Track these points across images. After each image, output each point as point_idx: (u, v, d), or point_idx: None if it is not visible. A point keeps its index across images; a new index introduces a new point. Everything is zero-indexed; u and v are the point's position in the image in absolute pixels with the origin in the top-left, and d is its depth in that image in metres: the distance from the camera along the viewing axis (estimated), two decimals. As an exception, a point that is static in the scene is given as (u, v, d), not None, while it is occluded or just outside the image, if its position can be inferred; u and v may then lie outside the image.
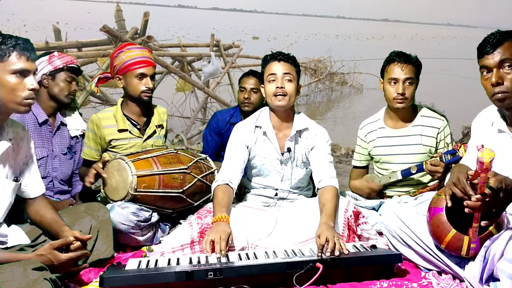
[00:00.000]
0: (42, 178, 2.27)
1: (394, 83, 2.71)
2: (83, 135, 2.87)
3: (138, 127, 2.80)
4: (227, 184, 2.44)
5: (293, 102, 2.55)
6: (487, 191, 1.75)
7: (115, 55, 2.76)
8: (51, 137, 2.73)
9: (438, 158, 2.65)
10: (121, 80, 2.75)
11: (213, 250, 2.10)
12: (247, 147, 2.58)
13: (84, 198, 2.81)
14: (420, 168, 2.73)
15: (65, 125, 2.82)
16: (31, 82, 1.83)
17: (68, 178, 2.83)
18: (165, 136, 2.98)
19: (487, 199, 1.76)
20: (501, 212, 1.89)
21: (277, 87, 2.46)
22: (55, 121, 2.77)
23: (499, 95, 1.98)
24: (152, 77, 2.74)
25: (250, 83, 3.18)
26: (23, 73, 1.82)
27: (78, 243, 1.91)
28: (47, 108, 2.71)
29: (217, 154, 3.29)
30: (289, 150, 2.56)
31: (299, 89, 2.59)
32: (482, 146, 1.75)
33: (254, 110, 3.09)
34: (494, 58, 1.98)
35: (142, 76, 2.69)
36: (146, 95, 2.72)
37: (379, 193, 2.90)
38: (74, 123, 2.87)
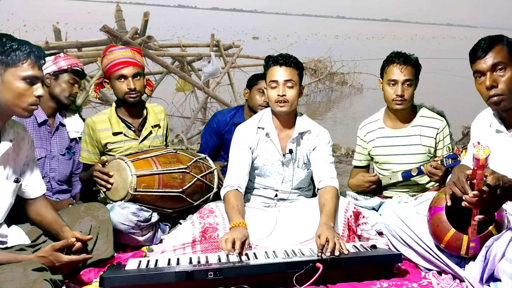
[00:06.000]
0: None
1: (393, 84, 2.71)
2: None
3: (133, 129, 2.76)
4: (237, 189, 2.44)
5: (295, 107, 2.54)
6: (484, 188, 1.77)
7: (102, 59, 2.75)
8: (49, 137, 2.72)
9: (439, 161, 2.64)
10: (109, 84, 2.73)
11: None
12: (250, 149, 2.58)
13: (85, 198, 2.80)
14: (420, 170, 2.72)
15: (64, 125, 2.80)
16: (39, 89, 1.85)
17: (66, 178, 2.82)
18: (166, 135, 2.95)
19: (484, 196, 1.78)
20: (497, 209, 1.90)
21: (278, 95, 2.46)
22: (54, 121, 2.75)
23: (495, 98, 2.02)
24: (135, 76, 2.66)
25: None
26: (32, 80, 1.83)
27: (79, 244, 1.91)
28: (46, 108, 2.70)
29: (216, 153, 3.28)
30: (290, 151, 2.56)
31: (302, 90, 2.57)
32: (478, 143, 1.76)
33: None
34: (486, 62, 2.02)
35: (122, 77, 2.65)
36: (130, 97, 2.66)
37: (379, 192, 2.90)
38: (74, 125, 2.86)
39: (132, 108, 2.76)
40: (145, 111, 2.83)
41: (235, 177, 2.49)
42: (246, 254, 2.13)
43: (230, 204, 2.37)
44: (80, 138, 2.85)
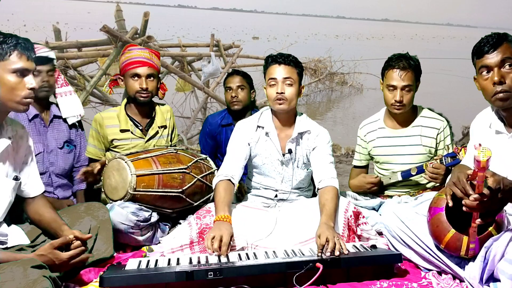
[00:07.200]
0: (40, 174, 2.25)
1: (392, 89, 2.69)
2: (81, 127, 2.86)
3: (141, 128, 2.81)
4: (229, 179, 2.44)
5: (294, 105, 2.54)
6: (485, 190, 1.76)
7: (120, 57, 2.82)
8: (45, 131, 2.69)
9: (438, 160, 2.64)
10: (123, 81, 2.78)
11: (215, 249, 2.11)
12: (249, 145, 2.58)
13: (89, 195, 2.80)
14: (420, 170, 2.72)
15: (60, 118, 2.76)
16: (30, 81, 1.84)
17: (66, 172, 2.78)
18: (172, 133, 2.95)
19: (485, 199, 1.77)
20: (498, 212, 1.90)
21: (277, 92, 2.46)
22: (48, 114, 2.72)
23: (501, 94, 2.00)
24: (149, 77, 2.72)
25: (235, 81, 3.19)
26: (23, 73, 1.82)
27: (78, 242, 1.91)
28: (33, 105, 2.61)
29: (214, 156, 3.30)
30: (290, 151, 2.56)
31: (302, 90, 2.58)
32: (480, 145, 1.75)
33: (244, 108, 3.11)
34: (495, 57, 2.01)
35: (136, 76, 2.71)
36: (141, 96, 2.72)
37: (379, 192, 2.90)
38: (69, 108, 2.78)
39: (142, 107, 2.81)
40: (153, 112, 2.87)
41: (229, 168, 2.50)
42: (246, 254, 2.13)
43: (218, 195, 2.38)
44: (78, 122, 2.84)
